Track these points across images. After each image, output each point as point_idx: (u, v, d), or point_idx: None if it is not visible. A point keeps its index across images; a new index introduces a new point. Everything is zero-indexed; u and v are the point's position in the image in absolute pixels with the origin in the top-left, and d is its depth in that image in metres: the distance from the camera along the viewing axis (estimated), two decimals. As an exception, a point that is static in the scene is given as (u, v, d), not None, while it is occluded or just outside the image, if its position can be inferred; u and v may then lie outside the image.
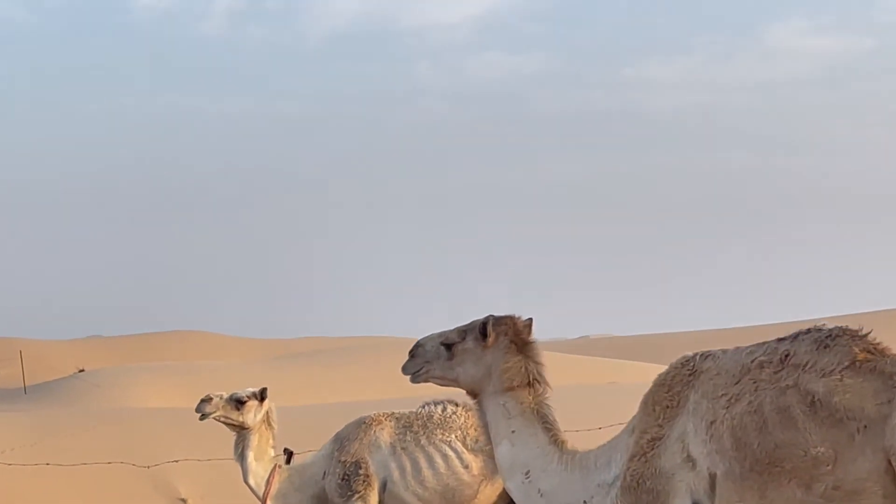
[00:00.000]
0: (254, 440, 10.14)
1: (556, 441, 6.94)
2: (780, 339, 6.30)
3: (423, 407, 10.27)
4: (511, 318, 7.15)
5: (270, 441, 10.22)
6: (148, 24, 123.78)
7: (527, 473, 6.92)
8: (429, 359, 7.25)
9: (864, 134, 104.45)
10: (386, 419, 10.23)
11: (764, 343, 6.36)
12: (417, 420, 10.18)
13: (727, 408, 6.23)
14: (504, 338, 7.08)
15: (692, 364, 6.53)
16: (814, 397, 5.99)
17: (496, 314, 7.17)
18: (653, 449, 6.50)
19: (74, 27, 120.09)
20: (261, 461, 10.13)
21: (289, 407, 31.34)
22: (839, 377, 5.98)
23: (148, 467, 17.43)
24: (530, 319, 7.17)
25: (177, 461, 17.45)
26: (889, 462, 5.81)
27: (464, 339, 7.15)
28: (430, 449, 10.03)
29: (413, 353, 7.34)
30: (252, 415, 10.15)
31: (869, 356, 6.02)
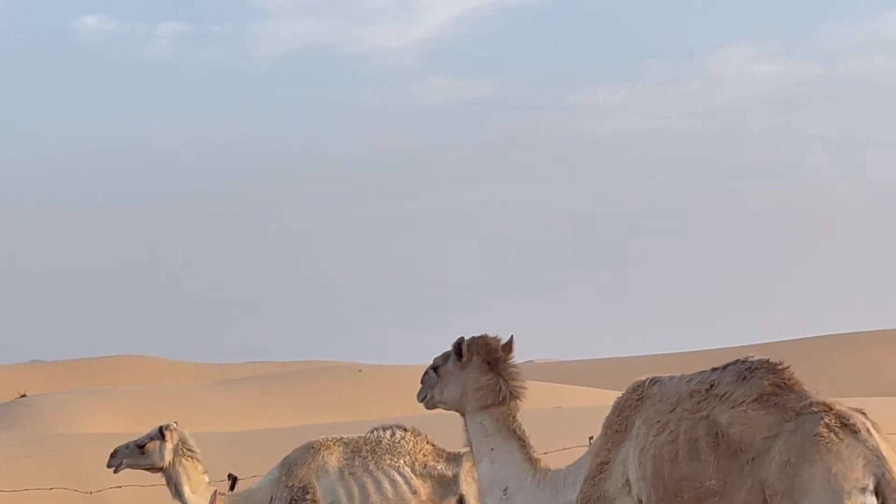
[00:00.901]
0: (182, 475, 9.98)
1: (530, 459, 7.05)
2: (713, 369, 6.39)
3: (372, 432, 10.22)
4: (484, 337, 7.25)
5: (200, 468, 10.05)
6: (93, 48, 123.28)
7: (505, 490, 7.01)
8: (431, 384, 7.40)
9: (807, 160, 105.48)
10: (334, 444, 10.17)
11: (703, 371, 6.44)
12: (366, 445, 10.13)
13: (656, 436, 6.33)
14: (477, 357, 7.16)
15: (641, 389, 6.62)
16: (718, 429, 6.08)
17: (475, 335, 7.26)
18: (601, 472, 6.60)
19: (19, 51, 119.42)
20: (198, 492, 9.99)
21: (233, 432, 31.11)
22: (744, 409, 6.06)
23: (91, 493, 17.26)
24: (510, 337, 7.25)
25: (119, 487, 17.29)
26: (765, 495, 5.87)
27: (445, 361, 7.28)
28: (379, 474, 9.98)
29: (422, 381, 7.50)
30: (158, 455, 9.99)
31: (777, 390, 6.08)
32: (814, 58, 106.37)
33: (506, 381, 7.15)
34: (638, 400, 6.58)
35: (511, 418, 7.10)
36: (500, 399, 7.11)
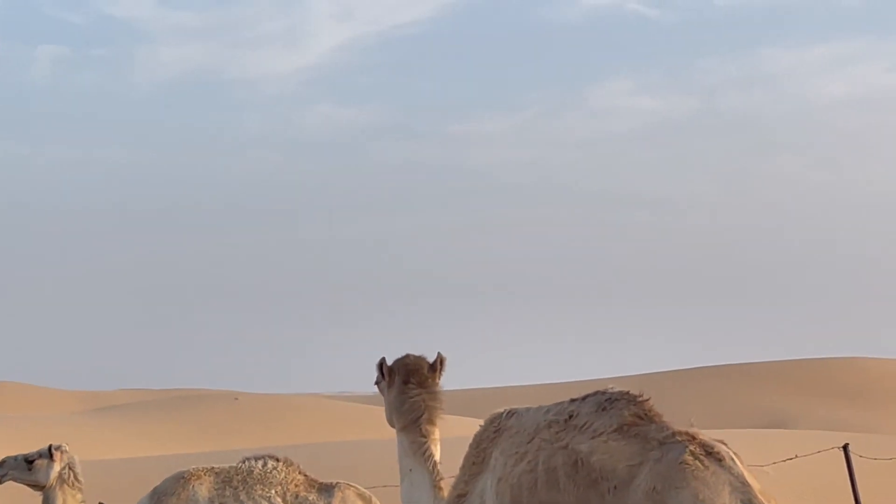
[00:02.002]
0: (59, 499, 9.92)
1: (435, 485, 7.06)
2: (572, 400, 6.47)
3: (244, 462, 10.19)
4: (406, 357, 7.26)
5: (79, 497, 10.00)
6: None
7: None
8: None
9: (686, 191, 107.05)
10: (205, 474, 10.13)
11: (561, 402, 6.51)
12: (237, 475, 10.10)
13: (514, 466, 6.38)
14: (398, 377, 7.19)
15: (498, 422, 6.68)
16: (578, 457, 6.15)
17: (401, 355, 7.28)
18: None
19: None
20: (70, 519, 9.92)
21: (106, 460, 30.71)
22: (605, 439, 6.14)
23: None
24: (437, 356, 7.28)
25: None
26: None
27: (380, 379, 7.34)
28: (249, 504, 9.95)
29: None
30: (44, 473, 9.94)
31: (638, 421, 6.17)
32: (692, 91, 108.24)
33: (422, 402, 7.14)
34: (495, 432, 6.63)
35: (424, 440, 7.09)
36: (415, 420, 7.11)
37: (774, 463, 16.61)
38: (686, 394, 55.33)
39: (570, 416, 6.34)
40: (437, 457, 7.12)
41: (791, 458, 16.46)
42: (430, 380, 7.21)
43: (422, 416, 7.13)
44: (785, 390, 56.65)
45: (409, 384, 7.18)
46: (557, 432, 6.31)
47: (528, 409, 6.63)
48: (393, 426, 7.26)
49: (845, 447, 14.05)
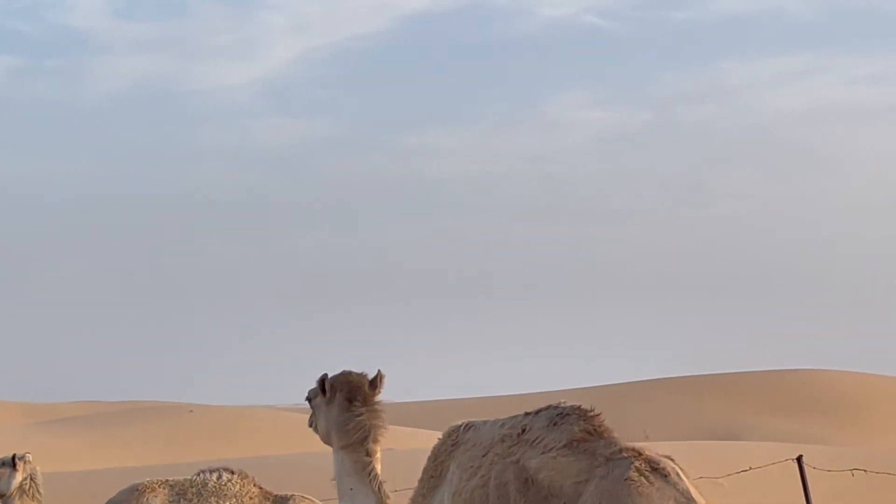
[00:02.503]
0: None
1: (380, 500, 7.02)
2: (526, 414, 6.47)
3: (199, 474, 10.16)
4: (347, 373, 7.17)
5: (37, 508, 9.98)
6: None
7: None
8: (312, 416, 7.36)
9: (638, 205, 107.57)
10: (159, 486, 10.09)
11: (516, 416, 6.51)
12: (192, 487, 10.07)
13: (468, 480, 6.38)
14: (340, 394, 7.10)
15: (456, 435, 6.68)
16: (528, 474, 6.15)
17: (342, 371, 7.20)
18: None
19: None
20: (27, 529, 9.89)
21: (58, 472, 30.50)
22: (554, 455, 6.14)
23: None
24: (377, 374, 7.19)
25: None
26: None
27: (315, 395, 7.21)
28: (204, 517, 9.92)
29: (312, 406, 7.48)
30: (5, 482, 9.91)
31: (587, 436, 6.17)
32: (648, 104, 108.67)
33: (367, 420, 7.08)
34: (452, 445, 6.62)
35: (368, 459, 7.03)
36: (360, 439, 7.05)
37: (729, 475, 16.70)
38: (641, 406, 55.54)
39: (523, 431, 6.34)
40: (381, 476, 7.08)
41: (745, 470, 16.55)
42: (372, 397, 7.15)
43: (368, 435, 7.08)
44: (739, 402, 56.95)
45: (354, 402, 7.10)
46: (510, 447, 6.31)
47: (484, 423, 6.62)
48: (328, 444, 7.17)
49: (799, 459, 14.13)
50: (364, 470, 7.04)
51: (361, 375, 7.15)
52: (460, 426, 6.68)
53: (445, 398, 69.71)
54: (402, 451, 32.52)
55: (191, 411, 49.75)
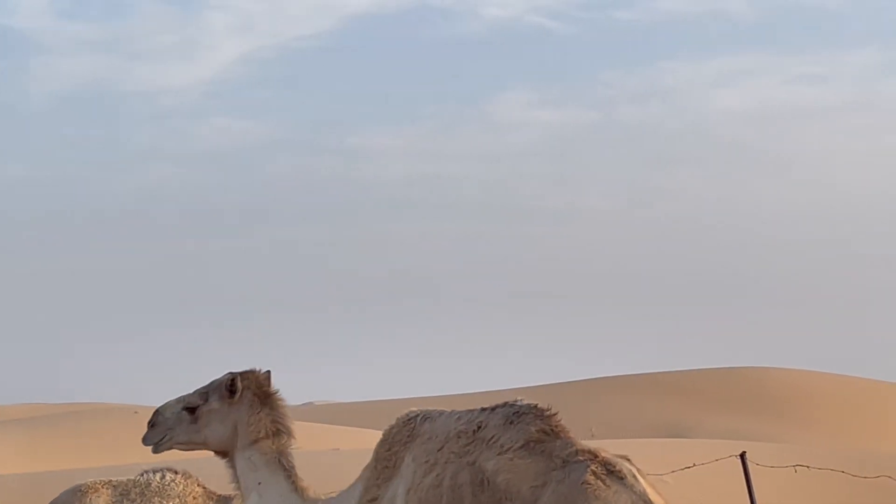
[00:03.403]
0: None
1: (297, 488, 7.00)
2: (483, 409, 6.41)
3: (142, 475, 10.14)
4: (253, 372, 7.22)
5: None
6: None
7: None
8: (171, 426, 7.25)
9: (583, 205, 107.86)
10: (103, 487, 10.06)
11: (472, 410, 6.47)
12: (135, 488, 10.04)
13: (423, 477, 6.34)
14: (248, 392, 7.13)
15: (413, 425, 6.62)
16: (484, 476, 6.10)
17: (237, 370, 7.23)
18: None
19: None
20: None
21: (2, 475, 30.25)
22: (510, 457, 6.10)
23: None
24: (268, 372, 7.24)
25: None
26: None
27: (206, 400, 7.19)
28: (148, 517, 9.89)
29: (153, 423, 7.33)
30: None
31: (544, 437, 6.13)
32: (593, 104, 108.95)
33: (278, 413, 7.15)
34: (408, 436, 6.57)
35: (280, 452, 7.08)
36: (271, 433, 7.09)
37: (673, 472, 16.80)
38: (587, 404, 55.73)
39: (479, 428, 6.28)
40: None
41: (689, 467, 16.65)
42: (277, 393, 7.21)
43: (281, 429, 7.12)
44: (684, 400, 57.28)
45: (266, 399, 7.15)
46: (466, 445, 6.26)
47: (440, 414, 6.56)
48: (224, 448, 7.15)
49: (742, 455, 14.23)
50: (277, 462, 7.04)
51: (265, 373, 7.23)
52: (417, 416, 6.61)
53: (392, 398, 69.66)
54: (347, 452, 32.50)
55: (136, 412, 49.43)
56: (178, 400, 7.26)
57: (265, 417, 7.11)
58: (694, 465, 16.79)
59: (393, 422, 6.76)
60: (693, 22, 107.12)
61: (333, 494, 7.01)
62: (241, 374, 7.20)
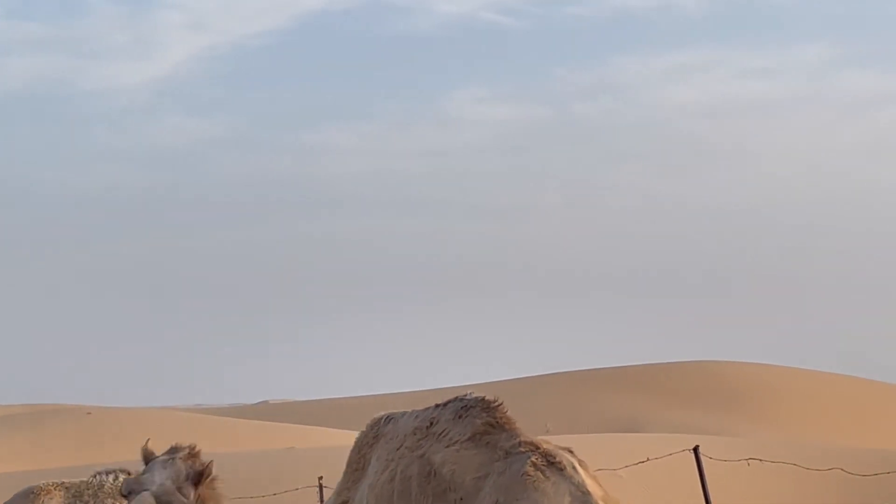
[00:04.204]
0: None
1: None
2: (437, 405, 6.55)
3: (95, 476, 10.10)
4: (202, 464, 7.53)
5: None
6: None
7: None
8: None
9: (537, 201, 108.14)
10: (55, 489, 10.00)
11: (428, 408, 6.59)
12: (88, 489, 9.99)
13: (381, 473, 6.47)
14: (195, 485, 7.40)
15: (377, 427, 6.76)
16: (432, 468, 6.23)
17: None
18: None
19: None
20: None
21: (-47, 478, 30.00)
22: (457, 448, 6.22)
23: None
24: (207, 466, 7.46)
25: None
26: None
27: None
28: (101, 518, 9.85)
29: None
30: None
31: (490, 429, 6.25)
32: (545, 100, 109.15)
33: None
34: (374, 437, 6.69)
35: None
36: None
37: (627, 466, 16.87)
38: (542, 400, 55.87)
39: (431, 423, 6.41)
40: None
41: (643, 462, 16.74)
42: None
43: None
44: (639, 395, 57.51)
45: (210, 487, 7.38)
46: (419, 440, 6.39)
47: (402, 414, 6.69)
48: None
49: (695, 449, 14.32)
50: None
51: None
52: (381, 418, 6.75)
53: (346, 396, 69.58)
54: (302, 450, 32.43)
55: (89, 413, 49.19)
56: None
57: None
58: (648, 459, 16.89)
59: (363, 428, 6.83)
60: (644, 17, 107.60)
61: None
62: (193, 467, 7.35)
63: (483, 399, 6.39)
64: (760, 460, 18.50)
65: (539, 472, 5.95)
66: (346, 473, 6.75)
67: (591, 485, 5.98)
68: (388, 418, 6.74)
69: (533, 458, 6.01)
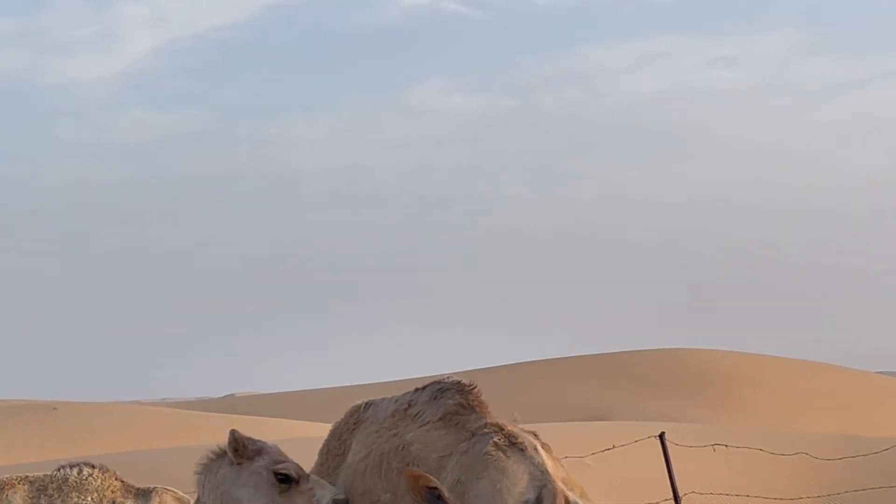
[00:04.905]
0: None
1: None
2: (416, 389, 6.65)
3: (59, 469, 10.05)
4: (247, 437, 6.99)
5: None
6: None
7: None
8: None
9: (503, 192, 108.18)
10: (19, 482, 9.95)
11: (408, 392, 6.69)
12: (52, 483, 9.94)
13: (357, 454, 6.55)
14: (249, 456, 6.96)
15: (357, 414, 6.81)
16: (402, 445, 6.34)
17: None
18: None
19: None
20: None
21: (-83, 475, 29.84)
22: (427, 428, 6.33)
23: None
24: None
25: None
26: None
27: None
28: (66, 512, 9.80)
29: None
30: None
31: (461, 410, 6.35)
32: (510, 91, 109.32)
33: None
34: (354, 423, 6.75)
35: None
36: None
37: (594, 454, 16.92)
38: (510, 388, 55.96)
39: (409, 405, 6.53)
40: None
41: (609, 448, 16.79)
42: None
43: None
44: (606, 383, 57.67)
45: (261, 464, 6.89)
46: (397, 421, 6.50)
47: (382, 400, 6.78)
48: None
49: (661, 435, 14.37)
50: None
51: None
52: (361, 405, 6.83)
53: (312, 388, 69.56)
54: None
55: (55, 409, 49.02)
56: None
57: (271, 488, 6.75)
58: (613, 446, 16.94)
59: (343, 416, 6.88)
60: (608, 7, 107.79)
61: None
62: (246, 437, 6.94)
63: (458, 382, 6.49)
64: (726, 446, 18.60)
65: (500, 452, 6.04)
66: (324, 461, 6.77)
67: (551, 466, 6.06)
68: (368, 404, 6.82)
69: (495, 439, 6.11)
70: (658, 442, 14.34)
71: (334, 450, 6.77)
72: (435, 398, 6.43)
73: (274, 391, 75.08)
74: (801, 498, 22.67)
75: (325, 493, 6.47)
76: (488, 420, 6.28)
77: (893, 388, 60.45)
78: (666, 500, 14.96)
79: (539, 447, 6.14)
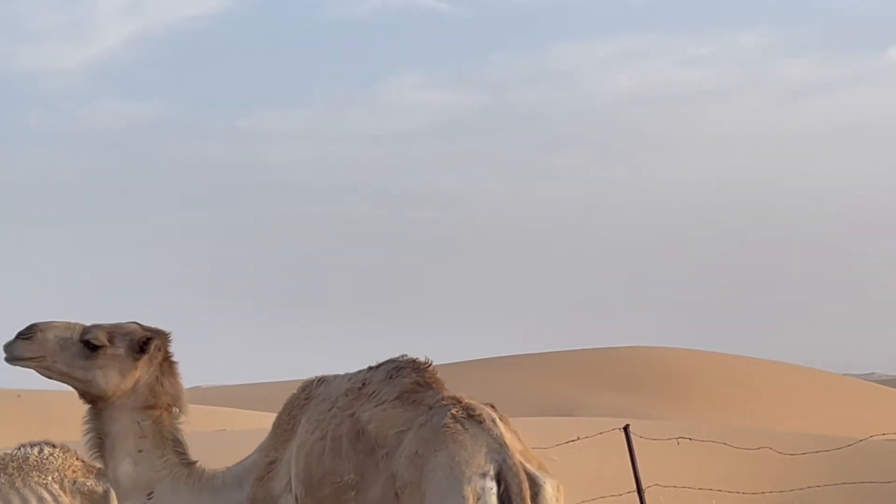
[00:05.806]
0: None
1: (185, 462, 6.86)
2: (370, 367, 6.60)
3: (19, 448, 10.00)
4: (166, 334, 6.92)
5: None
6: None
7: (150, 494, 6.84)
8: (53, 350, 6.77)
9: (475, 186, 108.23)
10: (-22, 461, 9.89)
11: (361, 370, 6.63)
12: (12, 462, 9.89)
13: (311, 433, 6.48)
14: (159, 353, 6.87)
15: (308, 389, 6.75)
16: (360, 426, 6.29)
17: (151, 327, 6.86)
18: (269, 472, 6.70)
19: None
20: None
21: None
22: (384, 407, 6.29)
23: None
24: (170, 333, 6.96)
25: None
26: (396, 487, 6.07)
27: (112, 343, 6.80)
28: (26, 491, 9.76)
29: (29, 336, 6.76)
30: None
31: (417, 388, 6.33)
32: (484, 87, 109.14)
33: (179, 388, 6.90)
34: (305, 399, 6.70)
35: (173, 423, 6.86)
36: (166, 405, 6.84)
37: (558, 445, 16.96)
38: (473, 384, 56.02)
39: (364, 384, 6.47)
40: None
41: (574, 440, 16.82)
42: (175, 361, 6.97)
43: (180, 405, 6.91)
44: (569, 380, 57.82)
45: (173, 367, 6.91)
46: (351, 400, 6.44)
47: (335, 377, 6.72)
48: (106, 394, 6.76)
49: (626, 428, 14.40)
50: (166, 432, 6.84)
51: (169, 335, 6.93)
52: (313, 381, 6.76)
53: (278, 380, 69.50)
54: (233, 432, 32.34)
55: (19, 396, 48.80)
56: (68, 327, 6.77)
57: (169, 387, 6.83)
58: (578, 438, 16.98)
59: (294, 391, 6.82)
60: (584, 4, 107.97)
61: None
62: (158, 334, 6.88)
63: (414, 361, 6.47)
64: (690, 439, 18.66)
65: (458, 424, 6.02)
66: (273, 436, 6.73)
67: (509, 438, 6.05)
68: (321, 381, 6.75)
69: (453, 411, 6.09)
70: (623, 435, 14.36)
71: (284, 424, 6.71)
72: (390, 377, 6.39)
73: (241, 382, 74.95)
74: (763, 493, 22.80)
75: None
76: (445, 394, 6.26)
77: (858, 390, 60.90)
78: (629, 492, 15.00)
79: (497, 419, 6.12)
